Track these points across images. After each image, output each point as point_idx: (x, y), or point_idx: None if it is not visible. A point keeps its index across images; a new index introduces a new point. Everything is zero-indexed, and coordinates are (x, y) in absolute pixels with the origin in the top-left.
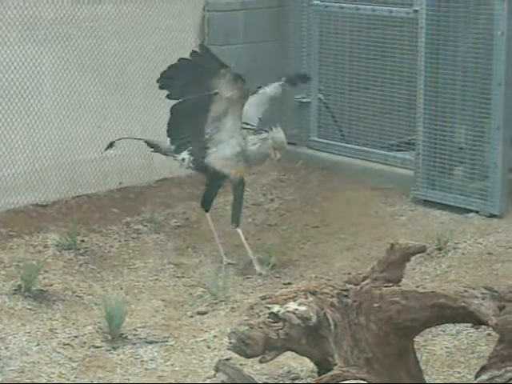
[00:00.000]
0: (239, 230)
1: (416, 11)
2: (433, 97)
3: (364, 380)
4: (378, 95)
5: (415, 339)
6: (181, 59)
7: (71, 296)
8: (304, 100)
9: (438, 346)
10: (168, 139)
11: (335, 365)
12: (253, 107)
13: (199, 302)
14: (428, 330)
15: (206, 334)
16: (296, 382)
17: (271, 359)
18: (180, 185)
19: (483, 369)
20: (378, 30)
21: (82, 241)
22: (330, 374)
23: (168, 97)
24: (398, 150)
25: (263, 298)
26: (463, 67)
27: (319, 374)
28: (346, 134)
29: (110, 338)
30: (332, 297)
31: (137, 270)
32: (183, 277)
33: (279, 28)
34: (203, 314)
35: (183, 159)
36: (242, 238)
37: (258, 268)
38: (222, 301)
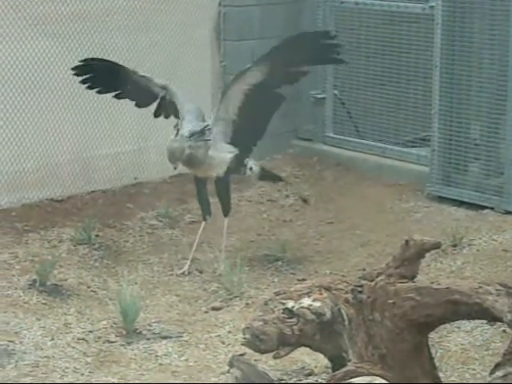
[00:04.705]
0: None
1: (432, 7)
2: (448, 93)
3: (378, 376)
4: (394, 91)
5: (430, 335)
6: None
7: (86, 291)
8: (319, 96)
9: (452, 343)
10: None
11: (349, 361)
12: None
13: (214, 297)
14: (443, 326)
15: (220, 329)
16: (310, 377)
17: (285, 355)
18: None
19: (498, 366)
20: (393, 26)
21: (97, 236)
22: (344, 369)
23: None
24: (413, 146)
25: (277, 294)
26: (479, 63)
27: (333, 369)
28: (362, 129)
29: (124, 333)
30: (346, 293)
31: (151, 266)
32: (198, 272)
33: (295, 24)
34: (218, 309)
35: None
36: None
37: (185, 267)
38: (236, 296)
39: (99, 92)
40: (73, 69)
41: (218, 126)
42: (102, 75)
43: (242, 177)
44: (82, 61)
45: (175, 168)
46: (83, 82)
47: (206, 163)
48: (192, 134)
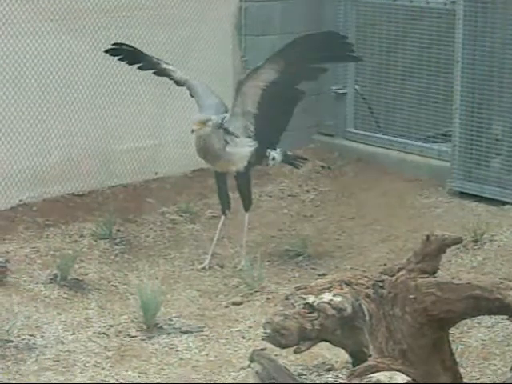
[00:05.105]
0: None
1: (453, 2)
2: (470, 88)
3: (399, 371)
4: (415, 86)
5: (450, 331)
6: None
7: (107, 285)
8: (340, 91)
9: (473, 338)
10: None
11: (370, 356)
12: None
13: (234, 292)
14: (463, 321)
15: (240, 324)
16: (330, 372)
17: (306, 350)
18: None
19: None
20: (415, 20)
21: (118, 230)
22: (364, 365)
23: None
24: (434, 142)
25: (298, 289)
26: (501, 58)
27: (354, 365)
28: (383, 125)
29: (145, 327)
30: (367, 288)
31: (172, 260)
32: (219, 267)
33: (316, 19)
34: (238, 304)
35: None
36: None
37: (206, 262)
38: (257, 291)
39: (140, 68)
40: (106, 51)
41: (236, 122)
42: (130, 61)
43: (264, 167)
44: (114, 44)
45: (192, 132)
46: (122, 59)
47: (223, 159)
48: (221, 126)
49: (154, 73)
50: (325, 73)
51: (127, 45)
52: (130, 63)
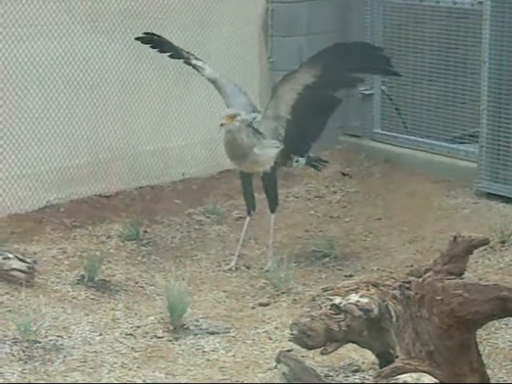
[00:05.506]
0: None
1: (480, 3)
2: (497, 89)
3: (426, 373)
4: (442, 87)
5: (478, 332)
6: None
7: (134, 286)
8: (367, 92)
9: (500, 340)
10: None
11: (397, 357)
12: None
13: (261, 293)
14: (491, 323)
15: (267, 325)
16: (357, 374)
17: (332, 351)
18: None
19: None
20: (442, 21)
21: (145, 231)
22: (391, 366)
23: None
24: (461, 143)
25: (325, 290)
26: None
27: (381, 366)
28: (410, 126)
29: (171, 328)
30: (394, 289)
31: (199, 261)
32: (245, 268)
33: (343, 20)
34: (265, 305)
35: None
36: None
37: (232, 263)
38: (283, 292)
39: (171, 56)
40: (136, 39)
41: (267, 124)
42: (161, 50)
43: (288, 169)
44: (145, 33)
45: (221, 125)
46: (153, 47)
47: (249, 159)
48: (250, 125)
49: (184, 62)
50: (362, 82)
51: (158, 35)
52: (161, 51)
